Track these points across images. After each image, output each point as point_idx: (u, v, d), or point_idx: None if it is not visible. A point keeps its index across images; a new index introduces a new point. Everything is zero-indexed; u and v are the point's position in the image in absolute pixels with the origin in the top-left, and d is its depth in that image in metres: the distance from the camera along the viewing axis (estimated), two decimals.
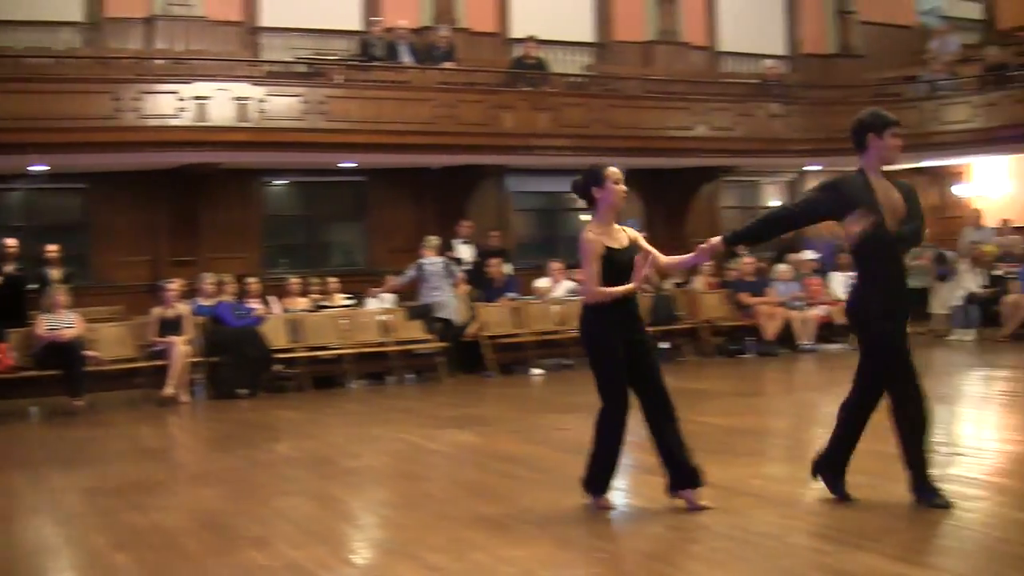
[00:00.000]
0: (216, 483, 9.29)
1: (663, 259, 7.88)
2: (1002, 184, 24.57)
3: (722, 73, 24.43)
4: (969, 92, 22.52)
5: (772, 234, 8.33)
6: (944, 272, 21.00)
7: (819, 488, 7.59)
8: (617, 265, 7.55)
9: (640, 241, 7.79)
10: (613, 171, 7.63)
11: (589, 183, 7.67)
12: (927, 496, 7.18)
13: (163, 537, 7.32)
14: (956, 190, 25.59)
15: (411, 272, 17.64)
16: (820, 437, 11.14)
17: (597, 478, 7.61)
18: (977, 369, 16.52)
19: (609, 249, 7.54)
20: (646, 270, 7.51)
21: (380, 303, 17.85)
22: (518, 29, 22.27)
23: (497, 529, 7.16)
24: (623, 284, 7.55)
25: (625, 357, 7.48)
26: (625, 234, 7.72)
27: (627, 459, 8.97)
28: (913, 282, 21.36)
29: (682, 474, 7.50)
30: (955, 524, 6.87)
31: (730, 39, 25.20)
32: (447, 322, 17.40)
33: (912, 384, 7.28)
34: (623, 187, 7.66)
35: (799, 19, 26.09)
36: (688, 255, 8.01)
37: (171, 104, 16.89)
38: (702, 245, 7.80)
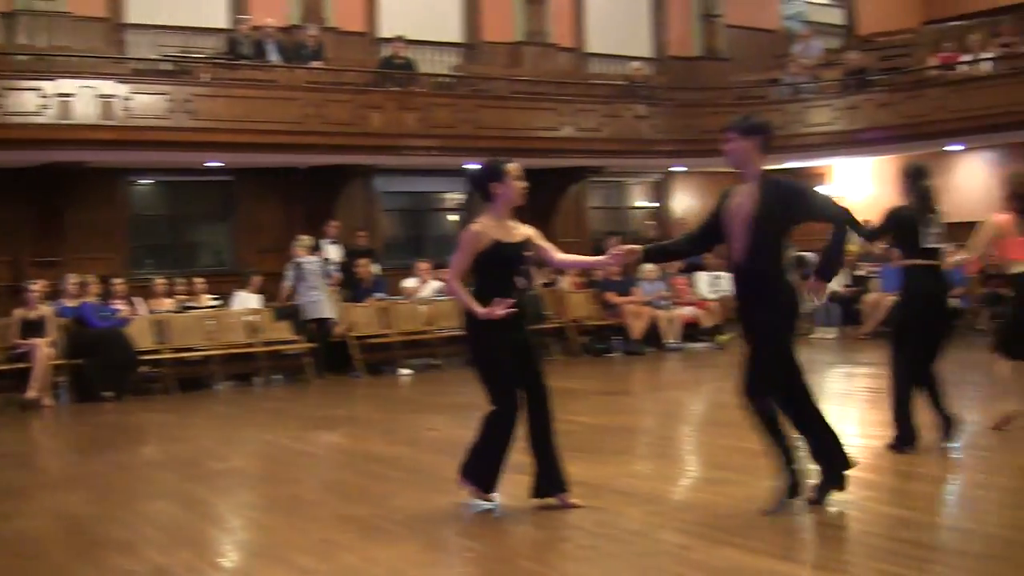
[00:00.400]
0: (81, 488, 9.18)
1: (560, 256, 7.97)
2: (863, 186, 25.10)
3: (589, 74, 24.61)
4: (831, 95, 23.00)
5: (689, 254, 8.55)
6: (808, 272, 21.37)
7: (686, 485, 7.71)
8: (504, 259, 7.60)
9: (536, 239, 7.80)
10: (514, 167, 7.67)
11: (488, 177, 7.68)
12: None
13: (28, 544, 7.22)
14: (819, 191, 26.08)
15: (291, 273, 17.51)
16: (686, 434, 11.38)
17: (485, 475, 7.65)
18: (839, 366, 16.87)
19: (497, 242, 7.54)
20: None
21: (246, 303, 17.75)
22: (386, 29, 22.22)
23: (366, 530, 7.18)
24: (509, 278, 7.64)
25: (512, 357, 7.53)
26: (520, 230, 7.72)
27: None
28: None
29: (557, 479, 7.59)
30: (820, 518, 7.04)
31: (597, 41, 25.39)
32: (324, 321, 17.30)
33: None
34: (523, 183, 7.70)
35: (665, 22, 26.38)
36: (595, 258, 8.09)
37: (33, 101, 16.56)
38: (615, 250, 7.85)
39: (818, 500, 7.22)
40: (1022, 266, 10.03)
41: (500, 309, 7.35)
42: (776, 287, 7.37)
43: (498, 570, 6.30)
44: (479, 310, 7.40)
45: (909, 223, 9.37)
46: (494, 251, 7.53)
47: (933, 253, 9.45)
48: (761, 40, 27.69)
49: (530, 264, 7.46)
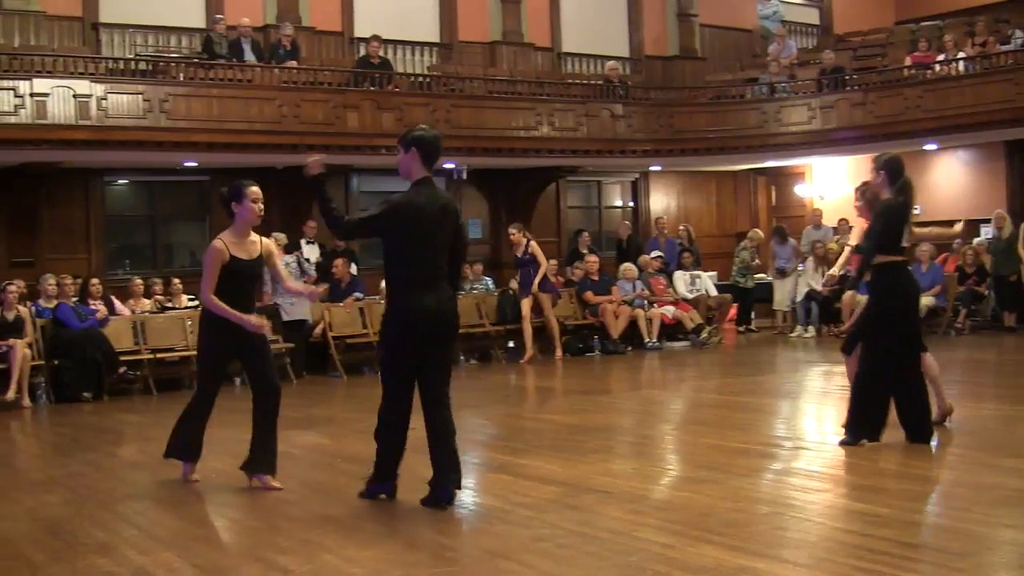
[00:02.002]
0: (59, 489, 9.15)
1: (289, 284, 9.46)
2: (840, 184, 25.21)
3: (565, 74, 24.65)
4: (807, 95, 23.10)
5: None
6: (783, 269, 21.59)
7: (666, 484, 7.73)
8: (238, 275, 8.46)
9: (272, 257, 8.89)
10: (253, 190, 8.55)
11: (229, 198, 8.58)
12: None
13: (6, 546, 7.20)
14: (797, 190, 26.21)
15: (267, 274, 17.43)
16: (666, 433, 11.40)
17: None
18: (817, 365, 16.92)
19: (233, 258, 8.39)
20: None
21: None
22: (362, 28, 22.25)
23: (346, 530, 7.18)
24: (243, 293, 8.57)
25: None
26: (258, 247, 8.63)
27: (474, 458, 9.06)
28: (749, 283, 21.98)
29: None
30: (798, 516, 7.07)
31: (573, 40, 25.45)
32: (303, 322, 17.23)
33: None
34: (260, 206, 8.54)
35: (641, 21, 26.43)
36: (306, 288, 9.21)
37: (8, 101, 16.54)
38: (312, 288, 8.86)
39: None
40: None
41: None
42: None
43: (478, 570, 6.31)
44: (249, 320, 8.51)
45: (901, 219, 9.36)
46: (229, 267, 8.37)
47: (904, 250, 9.48)
48: (736, 39, 27.83)
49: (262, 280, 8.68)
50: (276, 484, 8.52)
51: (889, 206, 9.37)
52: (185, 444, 8.96)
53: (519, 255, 18.99)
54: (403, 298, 7.63)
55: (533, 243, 18.91)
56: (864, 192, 9.93)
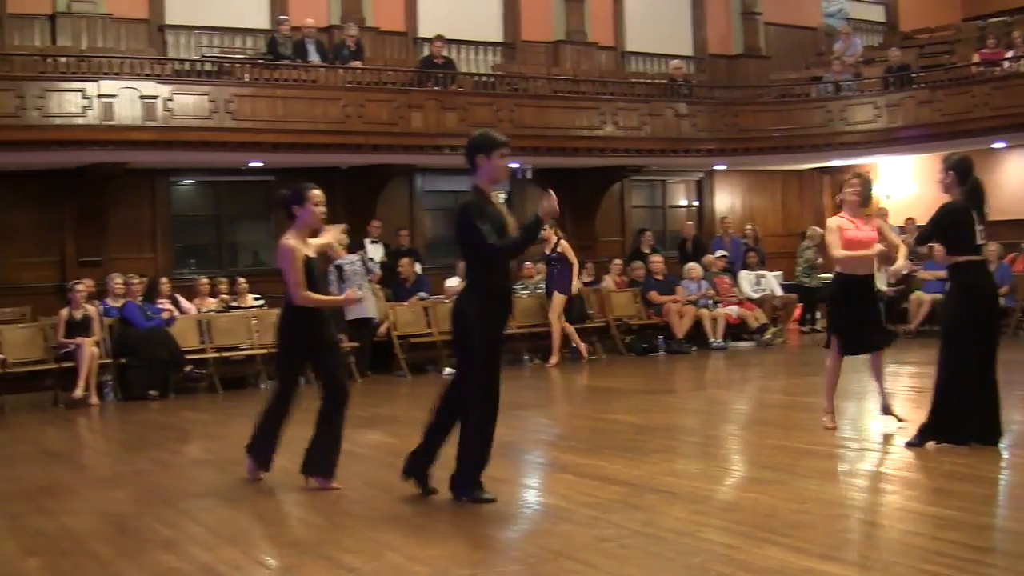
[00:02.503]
0: (126, 486, 9.23)
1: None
2: (906, 184, 24.99)
3: (629, 73, 24.59)
4: (873, 93, 22.91)
5: None
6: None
7: (730, 484, 7.68)
8: (312, 272, 8.61)
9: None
10: (315, 193, 8.67)
11: (290, 200, 8.68)
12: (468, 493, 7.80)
13: (73, 541, 7.26)
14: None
15: (332, 276, 17.42)
16: (730, 434, 11.34)
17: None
18: (884, 365, 16.72)
19: (307, 257, 8.56)
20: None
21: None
22: (426, 28, 22.29)
23: (411, 529, 7.19)
24: (317, 290, 8.64)
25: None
26: (314, 245, 8.88)
27: (538, 457, 9.06)
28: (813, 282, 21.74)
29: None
30: (864, 518, 7.01)
31: (637, 39, 25.38)
32: (368, 321, 17.22)
33: (490, 387, 7.77)
34: (322, 209, 8.70)
35: (705, 20, 26.32)
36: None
37: (76, 102, 16.72)
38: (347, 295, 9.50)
39: None
40: None
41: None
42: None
43: (542, 569, 6.29)
44: (340, 298, 8.94)
45: (965, 220, 9.25)
46: (307, 264, 8.57)
47: (981, 249, 9.40)
48: (801, 37, 27.65)
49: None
50: (335, 485, 8.54)
51: (949, 208, 9.30)
52: (264, 445, 9.02)
53: (547, 252, 18.47)
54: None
55: (564, 242, 18.15)
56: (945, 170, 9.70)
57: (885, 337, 10.79)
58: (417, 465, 8.07)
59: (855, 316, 10.36)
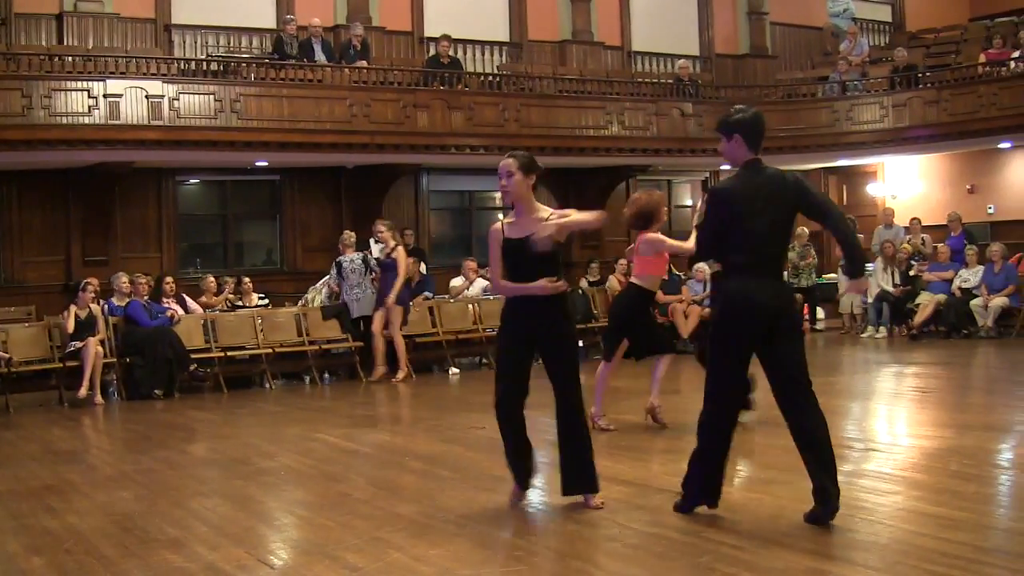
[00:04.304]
0: (131, 485, 9.22)
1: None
2: (912, 184, 24.97)
3: (636, 73, 24.59)
4: (879, 93, 22.90)
5: None
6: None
7: (735, 485, 7.67)
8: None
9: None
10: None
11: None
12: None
13: (79, 540, 7.27)
14: (869, 189, 25.98)
15: (332, 272, 17.43)
16: (735, 434, 11.30)
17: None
18: (888, 366, 16.76)
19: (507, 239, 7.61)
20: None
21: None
22: (432, 28, 22.30)
23: (415, 528, 7.18)
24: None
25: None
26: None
27: (544, 457, 9.05)
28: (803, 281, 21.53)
29: (582, 477, 7.57)
30: (869, 519, 6.99)
31: (643, 39, 25.38)
32: (369, 320, 17.13)
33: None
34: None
35: (711, 20, 26.32)
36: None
37: (82, 102, 16.74)
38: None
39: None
40: None
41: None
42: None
43: (547, 569, 6.29)
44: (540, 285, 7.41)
45: None
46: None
47: None
48: (808, 37, 27.64)
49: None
50: (597, 502, 7.54)
51: None
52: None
53: (382, 257, 16.91)
54: (732, 286, 7.07)
55: (401, 248, 16.83)
56: None
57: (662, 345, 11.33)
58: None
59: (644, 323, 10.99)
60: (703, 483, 7.19)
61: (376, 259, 17.00)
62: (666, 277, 10.78)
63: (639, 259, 10.98)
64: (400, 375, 16.62)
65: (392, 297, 16.52)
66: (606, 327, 11.71)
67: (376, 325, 16.63)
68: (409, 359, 17.01)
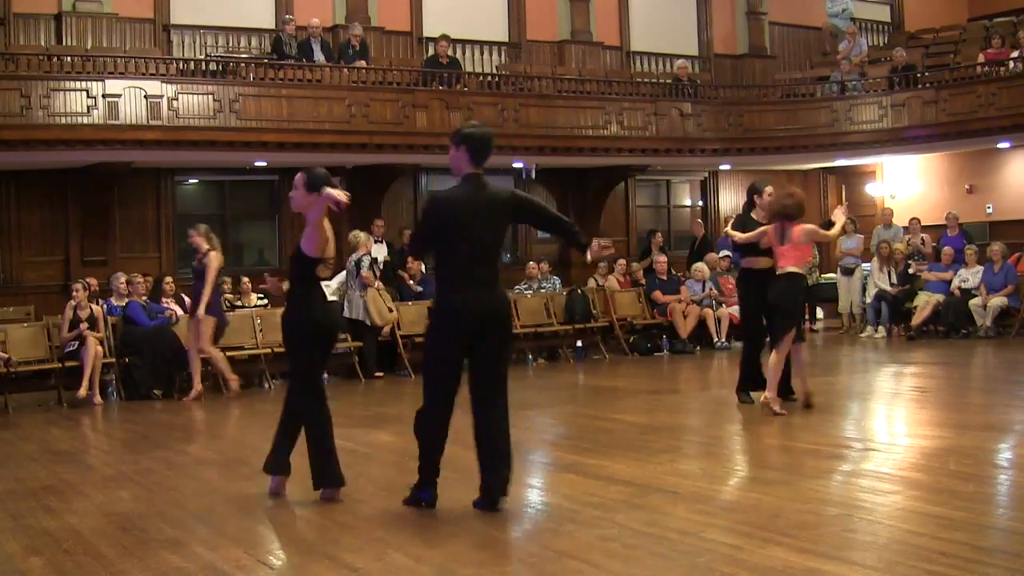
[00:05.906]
0: (130, 485, 9.22)
1: None
2: (911, 184, 24.98)
3: (634, 73, 24.59)
4: (878, 93, 22.91)
5: None
6: (848, 267, 21.46)
7: (733, 484, 7.67)
8: None
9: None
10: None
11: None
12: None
13: (77, 540, 7.26)
14: (868, 189, 25.99)
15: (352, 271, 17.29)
16: (734, 434, 11.33)
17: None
18: (887, 366, 16.76)
19: None
20: None
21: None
22: (431, 28, 22.30)
23: (415, 529, 7.19)
24: None
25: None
26: None
27: (543, 457, 9.07)
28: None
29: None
30: (868, 518, 7.00)
31: (642, 39, 25.39)
32: (360, 322, 17.13)
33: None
34: None
35: (710, 20, 26.33)
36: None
37: (81, 101, 16.75)
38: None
39: None
40: None
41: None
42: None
43: (546, 569, 6.28)
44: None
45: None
46: None
47: None
48: (807, 37, 27.67)
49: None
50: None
51: None
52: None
53: (194, 264, 15.70)
54: (445, 296, 7.56)
55: (212, 254, 15.28)
56: None
57: None
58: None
59: None
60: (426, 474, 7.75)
61: (375, 259, 17.00)
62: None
63: (795, 249, 11.56)
64: (194, 393, 15.09)
65: (201, 309, 15.00)
66: (777, 315, 11.75)
67: (203, 340, 15.13)
68: (409, 359, 17.02)
